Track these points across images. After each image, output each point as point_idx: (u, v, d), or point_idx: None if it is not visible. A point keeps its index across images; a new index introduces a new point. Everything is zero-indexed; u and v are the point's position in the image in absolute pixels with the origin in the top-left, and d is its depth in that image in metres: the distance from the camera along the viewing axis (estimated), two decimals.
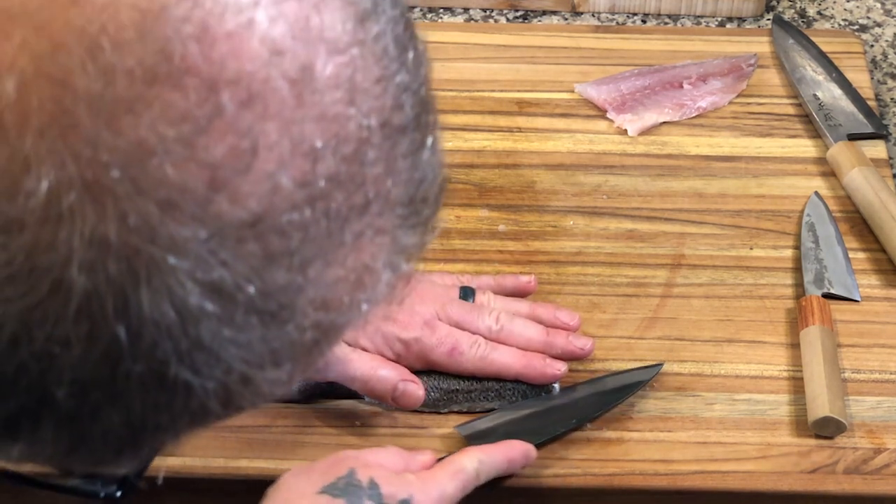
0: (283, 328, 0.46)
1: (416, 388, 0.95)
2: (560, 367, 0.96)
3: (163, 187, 0.42)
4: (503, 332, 0.97)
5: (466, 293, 0.99)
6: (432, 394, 0.97)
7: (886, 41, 1.30)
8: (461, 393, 0.97)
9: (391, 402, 0.95)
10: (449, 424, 0.97)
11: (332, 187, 0.45)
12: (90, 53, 0.41)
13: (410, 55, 0.48)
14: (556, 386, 0.98)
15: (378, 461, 0.87)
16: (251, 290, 0.44)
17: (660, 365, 0.99)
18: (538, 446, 0.93)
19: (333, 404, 0.98)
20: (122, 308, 0.42)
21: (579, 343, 0.97)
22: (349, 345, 0.95)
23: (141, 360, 0.43)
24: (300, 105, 0.43)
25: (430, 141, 0.49)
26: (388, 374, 0.94)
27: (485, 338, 0.97)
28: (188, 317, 0.43)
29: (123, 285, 0.42)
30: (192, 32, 0.42)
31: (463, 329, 0.97)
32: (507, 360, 0.96)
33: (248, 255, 0.44)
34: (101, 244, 0.41)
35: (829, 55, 1.24)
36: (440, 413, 0.98)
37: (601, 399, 0.97)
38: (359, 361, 0.94)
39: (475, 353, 0.96)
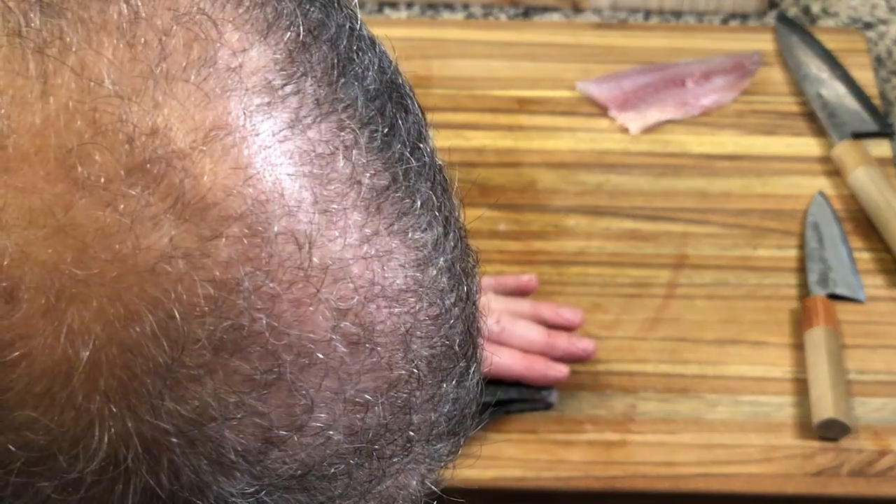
0: None
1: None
2: (562, 370, 0.96)
3: (218, 447, 0.42)
4: (504, 334, 0.96)
5: None
6: None
7: (891, 38, 1.30)
8: None
9: None
10: None
11: (379, 433, 0.45)
12: (162, 325, 0.41)
13: (464, 287, 0.47)
14: (554, 391, 0.97)
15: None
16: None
17: (541, 392, 0.98)
18: None
19: None
20: None
21: (581, 345, 0.97)
22: None
23: None
24: (356, 361, 0.43)
25: (473, 365, 0.49)
26: None
27: (485, 340, 0.96)
28: None
29: None
30: (261, 305, 0.42)
31: None
32: (508, 361, 0.96)
33: (292, 501, 0.44)
34: (152, 497, 0.42)
35: (833, 53, 1.23)
36: None
37: (493, 411, 0.96)
38: None
39: None
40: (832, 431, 0.95)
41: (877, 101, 1.19)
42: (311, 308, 0.42)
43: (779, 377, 1.00)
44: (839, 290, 1.05)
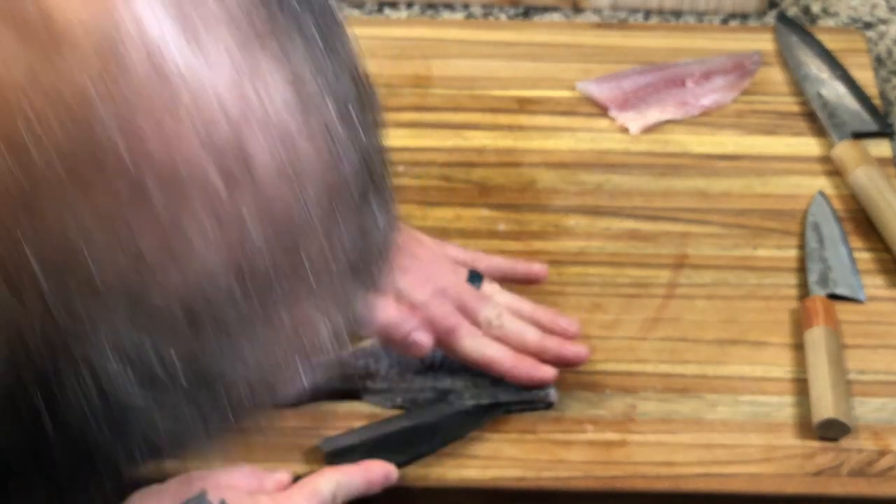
0: (214, 402, 0.46)
1: (425, 339, 0.95)
2: (548, 371, 0.96)
3: (88, 278, 0.41)
4: (502, 330, 0.97)
5: (474, 278, 0.99)
6: (427, 394, 0.97)
7: (891, 38, 1.30)
8: (455, 393, 0.97)
9: (401, 349, 0.95)
10: None
11: (266, 274, 0.44)
12: (14, 152, 0.40)
13: (358, 125, 0.46)
14: (552, 391, 0.97)
15: (230, 482, 0.86)
16: (179, 371, 0.44)
17: (540, 392, 0.97)
18: (400, 466, 0.92)
19: (332, 406, 0.98)
20: (42, 381, 0.42)
21: (573, 349, 0.97)
22: None
23: (66, 430, 0.43)
24: (234, 197, 0.42)
25: (375, 201, 0.47)
26: (402, 319, 0.94)
27: (482, 330, 0.96)
28: (114, 395, 0.43)
29: (44, 360, 0.42)
30: (121, 131, 0.41)
31: (465, 312, 0.96)
32: (498, 356, 0.96)
33: (176, 339, 0.43)
34: (20, 344, 0.41)
35: (833, 53, 1.23)
36: None
37: (466, 419, 0.96)
38: (381, 309, 0.94)
39: (470, 342, 0.96)
40: (832, 431, 0.95)
41: (877, 101, 1.20)
42: (176, 133, 0.41)
43: (779, 377, 1.00)
44: (839, 290, 1.05)
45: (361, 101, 0.46)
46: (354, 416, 0.97)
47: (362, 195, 0.46)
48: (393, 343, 0.96)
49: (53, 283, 0.41)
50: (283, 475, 0.89)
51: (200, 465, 0.88)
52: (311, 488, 0.87)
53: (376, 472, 0.90)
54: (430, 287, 0.96)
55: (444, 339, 0.96)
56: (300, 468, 0.93)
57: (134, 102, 0.41)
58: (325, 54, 0.45)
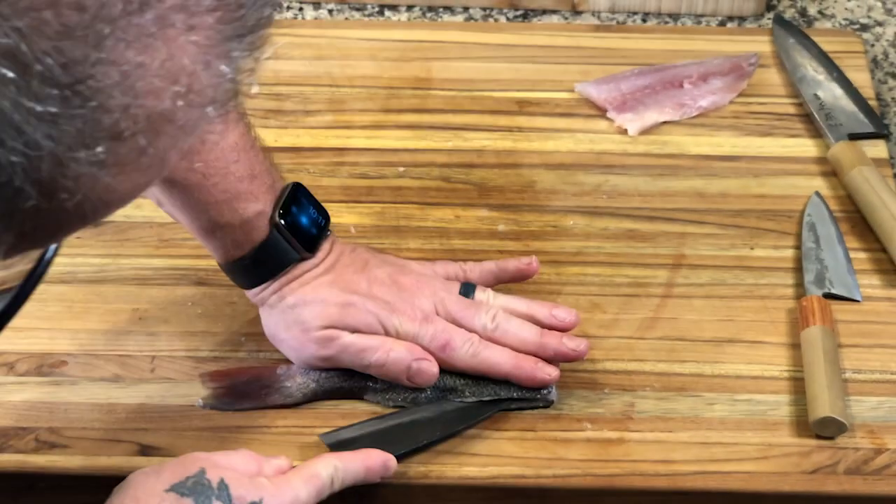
0: (86, 105, 0.46)
1: (429, 366, 0.96)
2: (551, 372, 0.96)
3: None
4: (498, 331, 0.97)
5: (467, 289, 0.99)
6: (428, 393, 0.97)
7: (887, 40, 1.30)
8: (456, 391, 0.97)
9: (407, 382, 0.96)
10: None
11: None
12: None
13: None
14: (554, 389, 0.98)
15: (230, 464, 0.87)
16: (47, 59, 0.45)
17: (541, 391, 0.98)
18: (400, 457, 0.93)
19: (333, 404, 0.98)
20: None
21: (572, 344, 0.97)
22: (351, 331, 0.95)
23: None
24: None
25: None
26: (401, 355, 0.95)
27: (480, 336, 0.97)
28: None
29: None
30: None
31: (460, 325, 0.97)
32: (498, 359, 0.96)
33: (42, 23, 0.45)
34: None
35: (829, 54, 1.24)
36: None
37: (468, 412, 0.96)
38: (371, 348, 0.95)
39: (467, 349, 0.96)
40: (829, 430, 0.96)
41: (873, 103, 1.20)
42: None
43: (775, 376, 1.00)
44: (835, 290, 1.05)
45: None
46: (355, 415, 0.97)
47: None
48: (399, 380, 0.96)
49: None
50: (283, 461, 0.90)
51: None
52: (309, 472, 0.88)
53: (375, 459, 0.91)
54: (418, 314, 0.96)
55: (442, 355, 0.96)
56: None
57: None
58: None
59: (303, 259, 0.96)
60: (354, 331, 0.96)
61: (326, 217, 0.98)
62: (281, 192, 0.95)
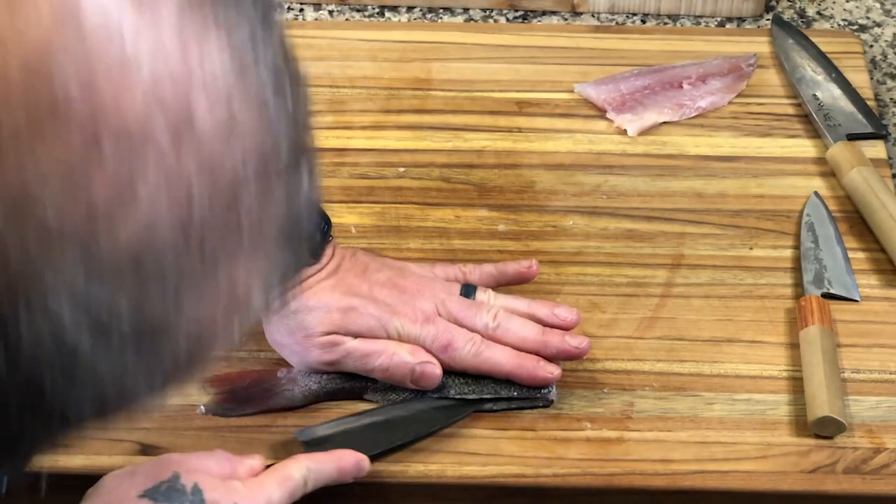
0: (157, 354, 0.48)
1: (433, 368, 0.96)
2: (552, 371, 0.96)
3: (43, 221, 0.44)
4: (499, 330, 0.97)
5: (468, 290, 0.99)
6: (429, 392, 0.97)
7: (886, 41, 1.30)
8: (457, 391, 0.98)
9: (411, 385, 0.96)
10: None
11: (207, 229, 0.47)
12: None
13: (289, 97, 0.49)
14: (554, 388, 0.98)
15: (204, 466, 0.87)
16: (126, 320, 0.46)
17: (542, 389, 0.98)
18: (373, 457, 0.93)
19: (334, 404, 0.98)
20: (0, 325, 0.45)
21: (574, 342, 0.97)
22: (354, 336, 0.96)
23: (18, 374, 0.46)
24: (179, 153, 0.45)
25: (305, 178, 0.51)
26: (404, 359, 0.96)
27: (481, 335, 0.97)
28: (64, 340, 0.45)
29: (1, 304, 0.44)
30: (77, 90, 0.44)
31: (461, 325, 0.97)
32: (499, 358, 0.96)
33: (124, 288, 0.46)
34: None
35: (828, 55, 1.24)
36: None
37: (439, 414, 0.97)
38: (374, 353, 0.95)
39: (469, 349, 0.96)
40: (827, 429, 0.96)
41: (871, 103, 1.20)
42: (127, 94, 0.44)
43: (774, 376, 1.00)
44: (834, 290, 1.05)
45: (291, 75, 0.50)
46: None
47: (292, 161, 0.49)
48: (403, 383, 0.97)
49: (11, 227, 0.44)
50: (256, 461, 0.90)
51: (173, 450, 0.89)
52: (282, 474, 0.88)
53: (348, 460, 0.91)
54: (420, 316, 0.96)
55: (443, 356, 0.96)
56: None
57: (89, 57, 0.44)
58: (262, 27, 0.48)
59: (307, 265, 0.96)
60: (357, 335, 0.96)
61: (328, 222, 0.98)
62: None
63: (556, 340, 0.97)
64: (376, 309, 0.96)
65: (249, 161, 0.47)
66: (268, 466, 0.90)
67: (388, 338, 0.96)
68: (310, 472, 0.89)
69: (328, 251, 0.97)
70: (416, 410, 0.97)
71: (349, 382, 0.98)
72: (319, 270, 0.96)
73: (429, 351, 0.96)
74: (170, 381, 0.50)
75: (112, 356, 0.47)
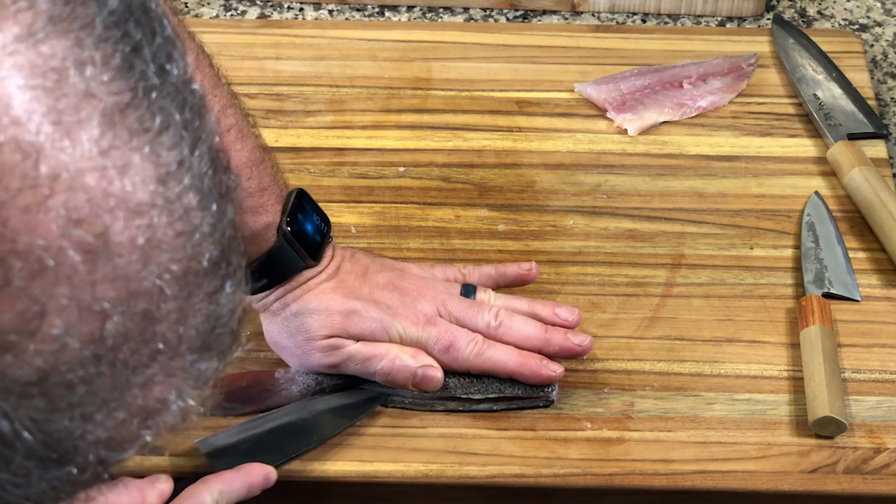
0: (64, 469, 0.47)
1: (434, 372, 0.96)
2: (556, 369, 0.96)
3: None
4: (501, 329, 0.97)
5: (468, 290, 0.99)
6: (433, 392, 0.97)
7: (886, 41, 1.30)
8: (460, 390, 0.98)
9: (413, 388, 0.96)
10: (448, 423, 0.97)
11: (120, 342, 0.45)
12: None
13: (214, 206, 0.48)
14: (555, 388, 0.98)
15: (115, 501, 0.86)
16: (31, 438, 0.45)
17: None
18: (279, 465, 0.92)
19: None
20: None
21: (577, 340, 0.97)
22: (356, 339, 0.95)
23: None
24: (92, 270, 0.44)
25: (228, 283, 0.49)
26: (406, 362, 0.95)
27: (483, 335, 0.97)
28: None
29: None
30: None
31: (463, 325, 0.97)
32: (502, 357, 0.96)
33: (31, 407, 0.45)
34: None
35: (829, 55, 1.24)
36: (436, 411, 0.98)
37: (342, 414, 0.97)
38: (376, 357, 0.95)
39: (471, 349, 0.96)
40: (828, 429, 0.96)
41: (872, 103, 1.20)
42: (40, 216, 0.43)
43: (775, 375, 1.00)
44: (835, 290, 1.05)
45: (219, 183, 0.48)
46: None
47: (214, 271, 0.48)
48: (405, 387, 0.97)
49: None
50: (166, 485, 0.89)
51: None
52: (194, 501, 0.88)
53: (256, 475, 0.90)
54: (421, 318, 0.96)
55: (446, 356, 0.96)
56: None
57: (1, 184, 0.42)
58: (187, 136, 0.46)
59: (307, 267, 0.96)
60: (359, 339, 0.96)
61: (328, 223, 0.98)
62: (286, 199, 0.95)
63: (559, 338, 0.97)
64: (378, 312, 0.96)
65: (167, 276, 0.46)
66: (177, 481, 0.89)
67: (390, 341, 0.96)
68: (221, 494, 0.89)
69: (328, 252, 0.97)
70: (316, 412, 0.96)
71: (347, 381, 0.98)
72: (320, 272, 0.96)
73: (431, 353, 0.96)
74: (79, 486, 0.48)
75: (14, 475, 0.45)
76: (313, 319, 0.96)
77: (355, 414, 0.96)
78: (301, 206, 0.95)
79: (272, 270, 0.95)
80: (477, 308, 0.98)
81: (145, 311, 0.46)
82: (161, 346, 0.47)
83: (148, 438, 0.49)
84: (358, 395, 0.97)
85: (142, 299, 0.45)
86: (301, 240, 0.95)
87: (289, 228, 0.94)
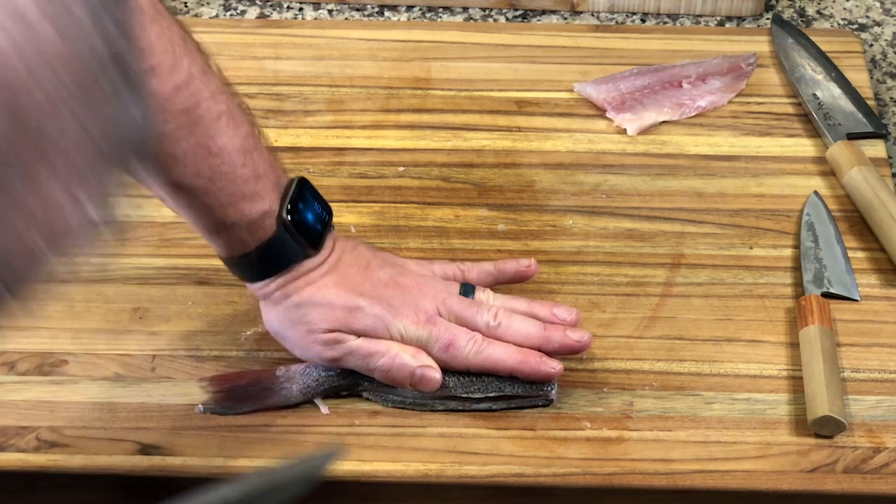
0: None
1: (433, 373, 0.96)
2: (555, 366, 0.96)
3: None
4: (501, 328, 0.97)
5: (467, 289, 0.99)
6: (434, 392, 0.97)
7: (886, 40, 1.31)
8: (460, 388, 0.98)
9: (409, 387, 0.96)
10: (447, 423, 0.97)
11: (6, 150, 0.45)
12: None
13: (107, 20, 0.47)
14: (554, 388, 0.98)
15: None
16: None
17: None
18: None
19: (333, 404, 0.99)
20: None
21: (576, 336, 0.97)
22: (357, 335, 0.96)
23: None
24: None
25: (130, 101, 0.49)
26: (405, 361, 0.96)
27: (483, 334, 0.97)
28: None
29: None
30: None
31: (462, 324, 0.97)
32: (502, 355, 0.96)
33: None
34: None
35: (828, 54, 1.24)
36: (437, 411, 0.98)
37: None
38: (377, 354, 0.96)
39: (471, 348, 0.96)
40: (827, 429, 0.96)
41: (871, 103, 1.20)
42: None
43: (774, 375, 1.00)
44: (834, 289, 1.05)
45: None
46: (353, 414, 0.98)
47: (111, 83, 0.48)
48: (402, 385, 0.97)
49: None
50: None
51: None
52: None
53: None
54: (422, 317, 0.97)
55: (445, 355, 0.96)
56: None
57: None
58: None
59: (308, 256, 0.96)
60: (361, 335, 0.96)
61: (329, 212, 0.98)
62: (286, 187, 0.95)
63: (558, 335, 0.97)
64: (380, 309, 0.96)
65: (55, 81, 0.45)
66: (189, 484, 0.86)
67: (391, 338, 0.96)
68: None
69: (328, 243, 0.97)
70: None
71: (347, 380, 0.98)
72: (321, 263, 0.96)
73: (430, 351, 0.96)
74: None
75: None
76: (316, 312, 0.96)
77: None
78: (302, 195, 0.95)
79: (272, 259, 0.95)
80: (476, 307, 0.98)
81: (28, 111, 0.45)
82: (48, 149, 0.46)
83: (53, 253, 0.48)
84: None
85: (23, 99, 0.45)
86: (301, 229, 0.94)
87: (289, 217, 0.94)
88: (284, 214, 0.94)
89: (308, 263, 0.96)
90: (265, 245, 0.94)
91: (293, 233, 0.94)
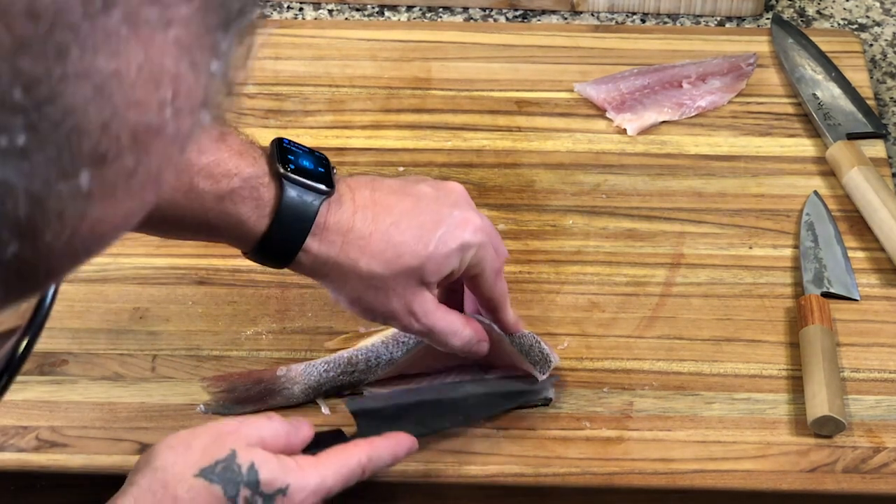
0: (58, 130, 0.42)
1: (485, 347, 0.94)
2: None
3: None
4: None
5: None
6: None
7: (885, 40, 1.31)
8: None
9: (459, 353, 0.93)
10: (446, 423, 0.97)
11: None
12: None
13: None
14: (551, 389, 0.98)
15: (260, 435, 0.84)
16: (2, 82, 0.40)
17: (538, 387, 0.97)
18: (421, 437, 0.92)
19: (334, 403, 0.99)
20: None
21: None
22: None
23: None
24: None
25: None
26: (470, 333, 0.92)
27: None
28: None
29: None
30: None
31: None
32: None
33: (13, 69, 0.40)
34: None
35: (828, 54, 1.24)
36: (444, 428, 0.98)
37: (491, 401, 0.97)
38: (442, 319, 0.91)
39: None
40: (827, 428, 0.96)
41: (871, 103, 1.20)
42: None
43: (774, 375, 1.00)
44: (834, 289, 1.05)
45: None
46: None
47: None
48: (452, 349, 0.92)
49: None
50: (308, 430, 0.87)
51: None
52: (340, 459, 0.86)
53: (403, 445, 0.89)
54: (469, 224, 0.90)
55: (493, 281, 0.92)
56: None
57: None
58: None
59: (327, 197, 0.88)
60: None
61: (326, 157, 0.91)
62: (269, 150, 0.89)
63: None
64: (453, 240, 0.90)
65: None
66: (318, 428, 0.87)
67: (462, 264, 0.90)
68: (370, 460, 0.87)
69: (342, 187, 0.90)
70: (466, 394, 0.97)
71: (348, 378, 0.98)
72: (352, 204, 0.89)
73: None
74: (98, 174, 0.43)
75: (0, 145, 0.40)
76: (400, 231, 0.88)
77: (503, 403, 0.97)
78: (288, 150, 0.89)
79: (292, 218, 0.87)
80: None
81: None
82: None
83: (169, 111, 0.44)
84: (504, 385, 0.97)
85: None
86: (305, 175, 0.87)
87: (290, 167, 0.87)
88: (281, 169, 0.87)
89: (336, 215, 0.88)
90: (278, 210, 0.87)
91: (299, 181, 0.87)
